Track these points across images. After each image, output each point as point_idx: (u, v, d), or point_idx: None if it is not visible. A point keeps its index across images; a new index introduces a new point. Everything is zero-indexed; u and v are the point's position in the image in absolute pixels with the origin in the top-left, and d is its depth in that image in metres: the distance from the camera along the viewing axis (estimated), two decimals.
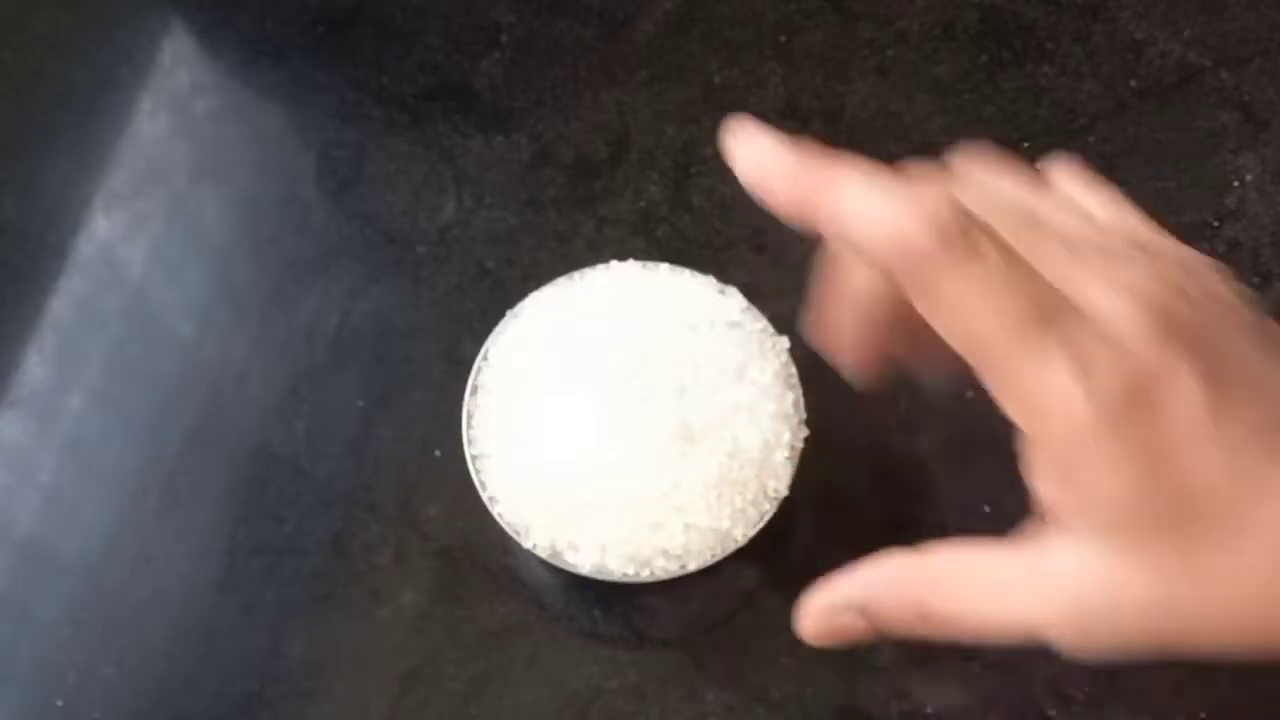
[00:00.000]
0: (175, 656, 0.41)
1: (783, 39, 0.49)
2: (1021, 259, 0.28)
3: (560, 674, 0.40)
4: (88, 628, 0.41)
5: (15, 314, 0.46)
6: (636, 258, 0.41)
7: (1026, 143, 0.47)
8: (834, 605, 0.31)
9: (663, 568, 0.37)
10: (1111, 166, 0.46)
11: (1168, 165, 0.46)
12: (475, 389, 0.39)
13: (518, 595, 0.41)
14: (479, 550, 0.42)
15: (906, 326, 0.30)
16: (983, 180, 0.33)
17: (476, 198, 0.47)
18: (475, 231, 0.46)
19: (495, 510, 0.38)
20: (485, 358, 0.40)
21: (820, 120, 0.47)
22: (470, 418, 0.39)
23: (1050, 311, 0.27)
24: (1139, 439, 0.27)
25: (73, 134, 0.49)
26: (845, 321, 0.33)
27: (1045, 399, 0.27)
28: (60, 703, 0.40)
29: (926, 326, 0.28)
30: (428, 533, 0.42)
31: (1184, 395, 0.27)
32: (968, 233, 0.27)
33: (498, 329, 0.40)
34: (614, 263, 0.40)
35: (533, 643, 0.40)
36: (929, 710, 0.39)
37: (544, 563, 0.37)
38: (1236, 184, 0.45)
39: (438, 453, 0.43)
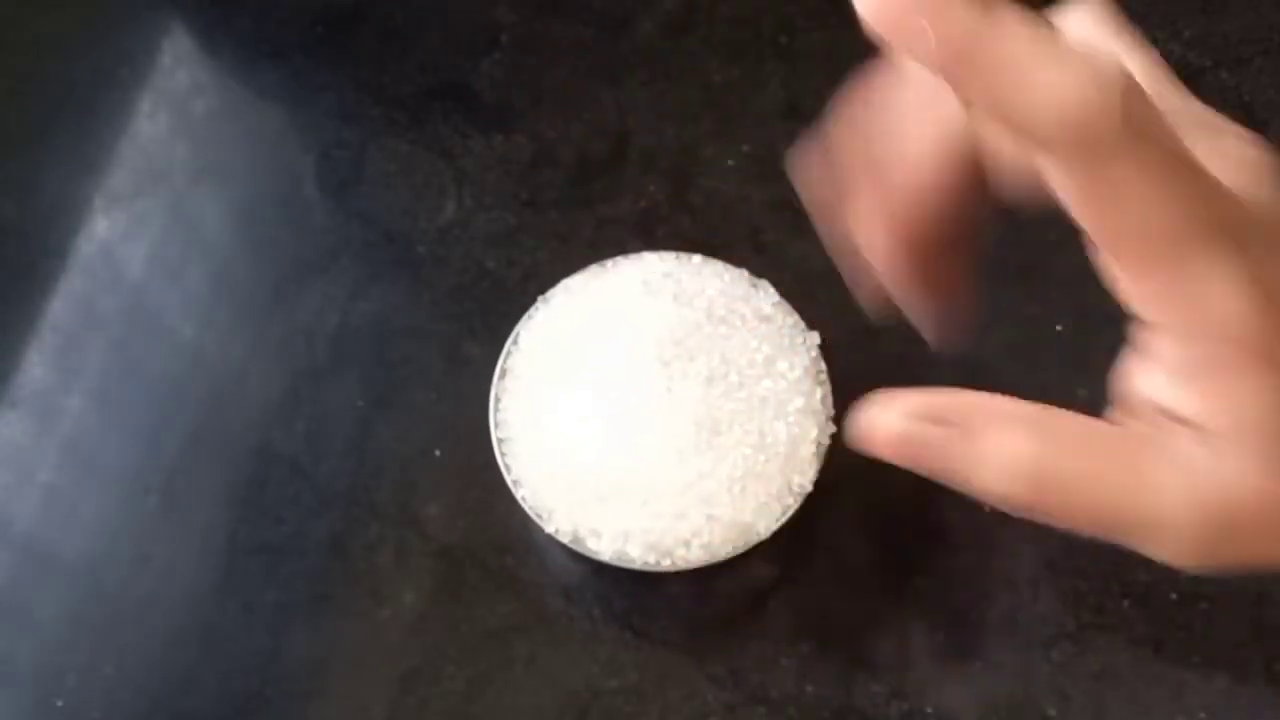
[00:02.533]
0: (175, 656, 0.41)
1: (783, 39, 0.49)
2: (1191, 154, 0.24)
3: (560, 674, 0.40)
4: (88, 628, 0.41)
5: (15, 314, 0.46)
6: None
7: None
8: (932, 412, 0.27)
9: (684, 558, 0.37)
10: None
11: None
12: (504, 372, 0.39)
13: (518, 595, 0.41)
14: (479, 550, 0.42)
15: (951, 245, 0.27)
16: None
17: (476, 198, 0.47)
18: (475, 231, 0.46)
19: (519, 494, 0.38)
20: (515, 342, 0.40)
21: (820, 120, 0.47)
22: (498, 401, 0.39)
23: (1227, 216, 0.24)
24: None
25: (73, 134, 0.49)
26: (891, 213, 0.28)
27: (1209, 308, 0.25)
28: (60, 703, 0.40)
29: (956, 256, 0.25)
30: (428, 533, 0.42)
31: None
32: (1150, 111, 0.24)
33: (529, 314, 0.40)
34: (646, 253, 0.40)
35: (533, 643, 0.40)
36: (929, 710, 0.39)
37: (552, 557, 0.37)
38: None
39: (438, 453, 0.43)
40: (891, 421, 0.26)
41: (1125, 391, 0.27)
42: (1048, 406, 0.26)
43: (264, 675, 0.40)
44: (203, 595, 0.42)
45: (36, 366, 0.45)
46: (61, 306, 0.46)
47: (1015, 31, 0.23)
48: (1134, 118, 0.23)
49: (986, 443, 0.26)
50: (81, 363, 0.45)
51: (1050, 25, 0.23)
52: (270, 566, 0.42)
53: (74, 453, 0.44)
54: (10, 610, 0.42)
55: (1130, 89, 0.23)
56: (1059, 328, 0.43)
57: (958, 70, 0.23)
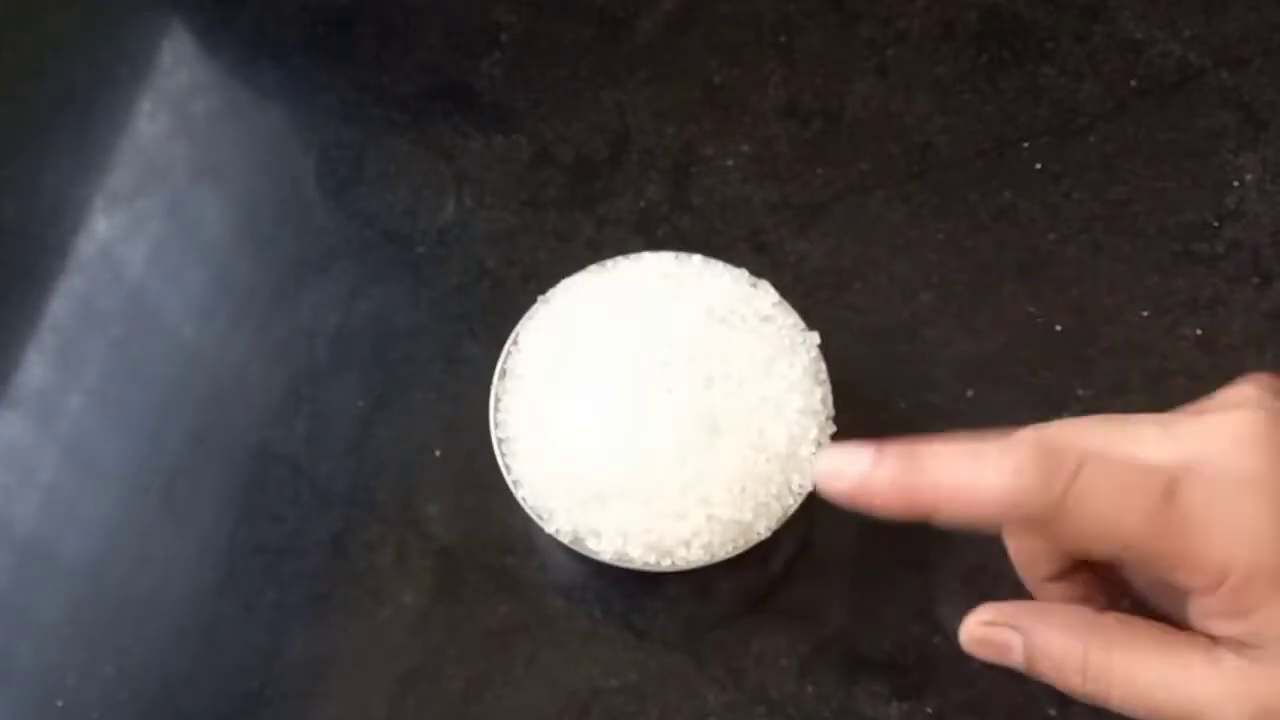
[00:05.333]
0: (175, 656, 0.41)
1: (783, 39, 0.49)
2: (1113, 456, 0.30)
3: (560, 674, 0.40)
4: (88, 628, 0.41)
5: (15, 314, 0.46)
6: None
7: (1026, 143, 0.47)
8: (1001, 620, 0.32)
9: (684, 558, 0.37)
10: (1111, 166, 0.46)
11: (1168, 165, 0.46)
12: (504, 373, 0.39)
13: (518, 595, 0.41)
14: (479, 550, 0.42)
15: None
16: None
17: (476, 198, 0.47)
18: (475, 231, 0.46)
19: (519, 494, 0.38)
20: (515, 342, 0.40)
21: (820, 120, 0.47)
22: (498, 401, 0.39)
23: (1170, 484, 0.29)
24: None
25: (73, 134, 0.49)
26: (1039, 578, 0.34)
27: (1208, 560, 0.29)
28: (60, 703, 0.40)
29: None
30: (428, 533, 0.42)
31: None
32: (1061, 457, 0.29)
33: (529, 314, 0.40)
34: (646, 253, 0.40)
35: (533, 643, 0.40)
36: (929, 710, 0.39)
37: (552, 557, 0.37)
38: (1236, 184, 0.45)
39: (438, 453, 0.43)
40: (972, 628, 0.32)
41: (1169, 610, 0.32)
42: (1097, 613, 0.32)
43: (264, 675, 0.40)
44: (203, 595, 0.42)
45: (36, 366, 0.45)
46: (61, 306, 0.46)
47: (936, 460, 0.30)
48: (1054, 473, 0.29)
49: (1049, 643, 0.31)
50: (81, 363, 0.45)
51: (956, 441, 0.30)
52: (270, 566, 0.42)
53: (74, 453, 0.44)
54: (10, 610, 0.42)
55: (1042, 453, 0.29)
56: (1059, 328, 0.43)
57: (910, 510, 0.30)
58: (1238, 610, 0.30)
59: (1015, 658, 0.31)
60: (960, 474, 0.30)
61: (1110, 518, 0.30)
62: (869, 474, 0.31)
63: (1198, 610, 0.31)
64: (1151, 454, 0.30)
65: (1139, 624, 0.31)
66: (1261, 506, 0.29)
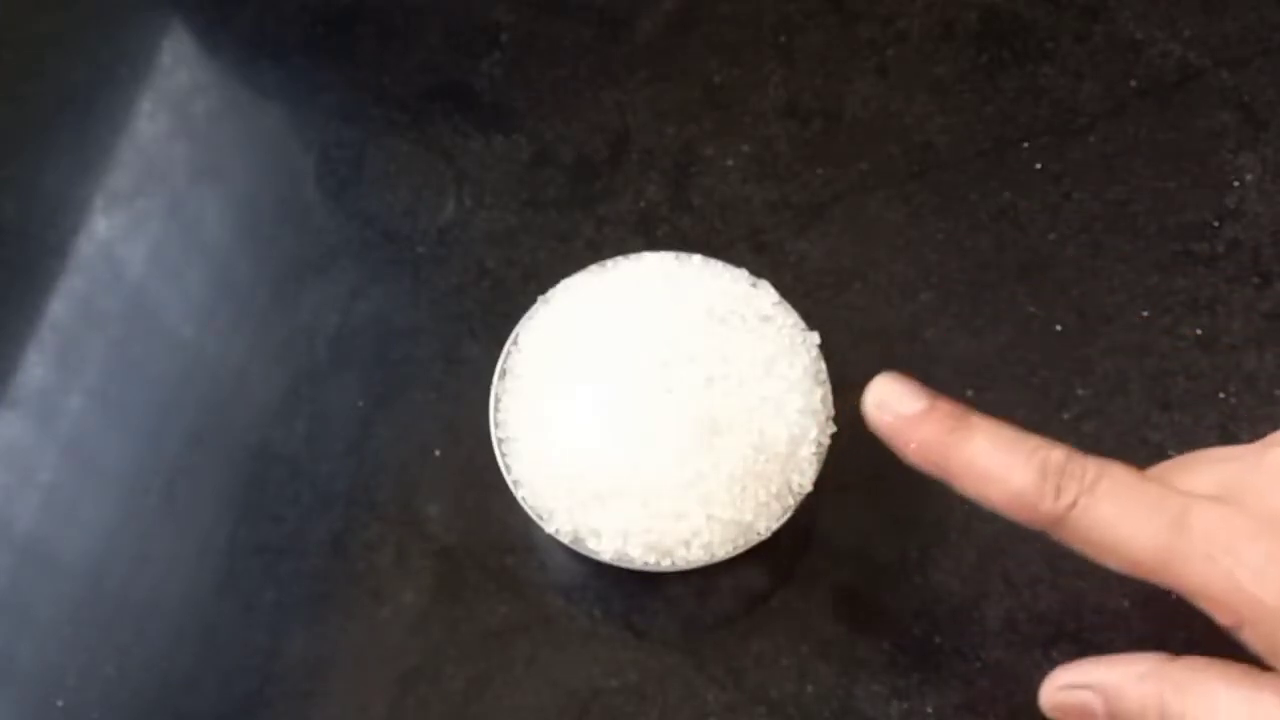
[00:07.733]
0: (175, 656, 0.41)
1: (783, 39, 0.49)
2: (1137, 478, 0.31)
3: (560, 674, 0.40)
4: (88, 628, 0.41)
5: (15, 314, 0.46)
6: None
7: (1026, 143, 0.47)
8: (1077, 682, 0.33)
9: (684, 558, 0.37)
10: (1111, 166, 0.46)
11: (1168, 165, 0.46)
12: (504, 373, 0.39)
13: (518, 595, 0.41)
14: (479, 550, 0.42)
15: None
16: None
17: (476, 198, 0.47)
18: (475, 231, 0.47)
19: (519, 494, 0.38)
20: (515, 342, 0.40)
21: (820, 120, 0.47)
22: (498, 401, 0.39)
23: (1184, 512, 0.30)
24: None
25: (73, 134, 0.49)
26: None
27: (1222, 597, 0.30)
28: (60, 703, 0.40)
29: None
30: (428, 533, 0.42)
31: None
32: (1080, 472, 0.30)
33: (529, 314, 0.40)
34: (646, 253, 0.40)
35: (533, 643, 0.40)
36: (929, 710, 0.39)
37: (552, 557, 0.37)
38: (1236, 184, 0.45)
39: (438, 453, 0.43)
40: (1051, 693, 0.33)
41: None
42: (1168, 659, 0.32)
43: (264, 675, 0.40)
44: (203, 595, 0.42)
45: (36, 366, 0.45)
46: (61, 306, 0.46)
47: (973, 438, 0.31)
48: (1066, 486, 0.30)
49: (1125, 697, 0.32)
50: (81, 363, 0.45)
51: (1004, 427, 0.31)
52: (270, 566, 0.42)
53: (74, 453, 0.44)
54: (10, 610, 0.42)
55: (1055, 465, 0.30)
56: (1059, 328, 0.43)
57: (935, 469, 0.32)
58: (1272, 651, 0.30)
59: (1097, 718, 0.32)
60: (993, 460, 0.31)
61: (1116, 535, 0.30)
62: (915, 420, 0.31)
63: (1248, 645, 0.31)
64: (1190, 482, 0.31)
65: (1211, 665, 0.31)
66: (1274, 546, 0.29)
